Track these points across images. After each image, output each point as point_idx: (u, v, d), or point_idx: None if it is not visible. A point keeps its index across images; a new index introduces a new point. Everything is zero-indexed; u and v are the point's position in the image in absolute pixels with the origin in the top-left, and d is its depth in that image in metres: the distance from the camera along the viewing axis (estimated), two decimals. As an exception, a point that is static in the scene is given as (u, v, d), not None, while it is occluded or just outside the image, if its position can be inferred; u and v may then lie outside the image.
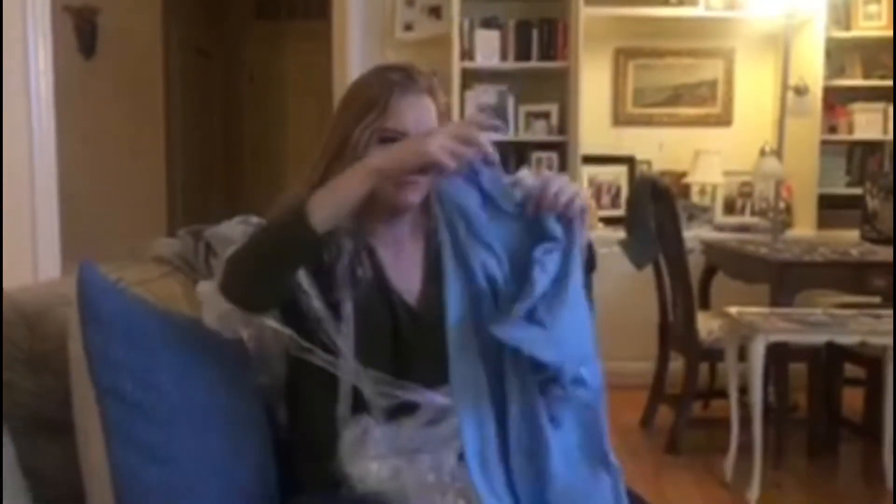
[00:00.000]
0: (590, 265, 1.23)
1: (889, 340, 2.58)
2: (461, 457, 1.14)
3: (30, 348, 1.16)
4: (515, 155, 4.04)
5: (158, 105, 5.32)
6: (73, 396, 1.10)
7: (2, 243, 2.85)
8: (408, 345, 1.25)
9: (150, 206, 5.21)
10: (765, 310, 2.83)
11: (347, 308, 1.23)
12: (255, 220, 1.70)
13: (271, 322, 1.24)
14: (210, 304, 1.18)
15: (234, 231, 1.64)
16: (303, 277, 1.23)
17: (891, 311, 2.80)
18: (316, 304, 1.24)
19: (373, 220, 1.28)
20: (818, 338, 2.64)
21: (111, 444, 1.04)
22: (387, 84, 1.26)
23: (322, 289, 1.25)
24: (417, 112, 1.26)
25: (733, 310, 2.77)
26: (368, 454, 1.19)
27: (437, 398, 1.20)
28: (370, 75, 1.32)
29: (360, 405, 1.22)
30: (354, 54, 3.96)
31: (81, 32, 5.15)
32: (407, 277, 1.29)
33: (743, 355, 2.67)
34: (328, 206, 1.11)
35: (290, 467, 1.28)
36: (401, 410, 1.21)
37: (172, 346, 1.16)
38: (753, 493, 2.58)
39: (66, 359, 1.13)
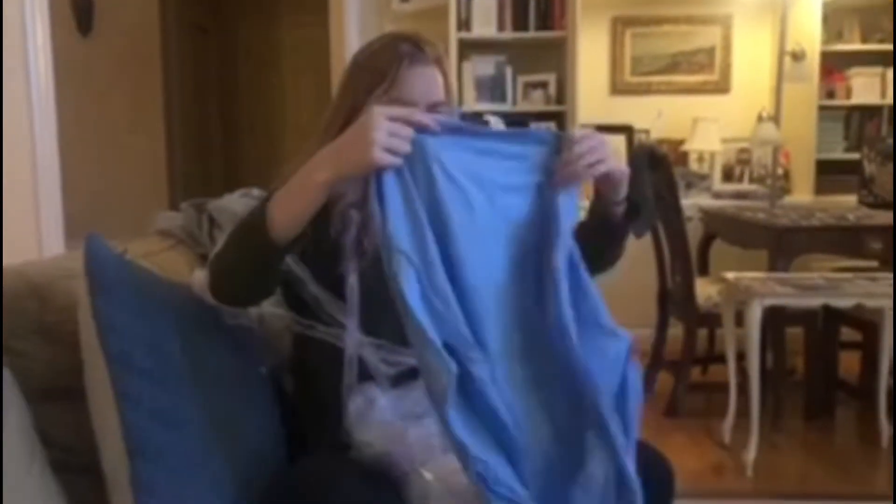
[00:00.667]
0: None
1: (885, 303, 2.61)
2: None
3: (41, 319, 1.19)
4: (514, 125, 4.04)
5: (157, 82, 5.31)
6: (85, 364, 1.13)
7: (1, 222, 2.87)
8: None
9: (150, 181, 5.23)
10: (761, 274, 2.86)
11: (353, 279, 1.26)
12: (256, 192, 1.74)
13: (270, 308, 1.27)
14: (206, 297, 1.21)
15: (237, 204, 1.68)
16: (293, 265, 1.26)
17: (887, 274, 2.84)
18: (312, 289, 1.27)
19: None
20: (814, 301, 2.68)
21: (122, 409, 1.07)
22: (396, 55, 1.27)
23: (319, 267, 1.27)
24: (426, 83, 1.28)
25: (730, 275, 2.80)
26: (374, 420, 1.22)
27: None
28: (379, 45, 1.32)
29: (365, 374, 1.25)
30: (352, 27, 3.96)
31: (79, 10, 5.13)
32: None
33: (741, 320, 2.70)
34: (286, 222, 1.10)
35: (298, 432, 1.32)
36: (406, 376, 1.24)
37: (178, 313, 1.19)
38: (750, 454, 2.63)
39: (76, 329, 1.16)
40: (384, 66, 1.27)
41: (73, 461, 1.15)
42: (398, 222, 1.05)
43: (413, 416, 1.22)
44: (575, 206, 1.16)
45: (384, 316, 1.24)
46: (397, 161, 1.04)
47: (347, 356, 1.26)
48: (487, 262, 1.11)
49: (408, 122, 1.06)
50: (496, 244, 1.12)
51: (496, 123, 1.21)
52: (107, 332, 1.09)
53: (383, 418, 1.22)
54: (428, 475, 1.16)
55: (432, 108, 1.27)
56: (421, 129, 1.08)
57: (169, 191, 5.35)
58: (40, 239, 3.14)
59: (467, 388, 1.05)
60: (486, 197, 1.12)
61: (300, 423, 1.34)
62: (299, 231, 1.11)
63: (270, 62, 6.18)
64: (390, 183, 1.05)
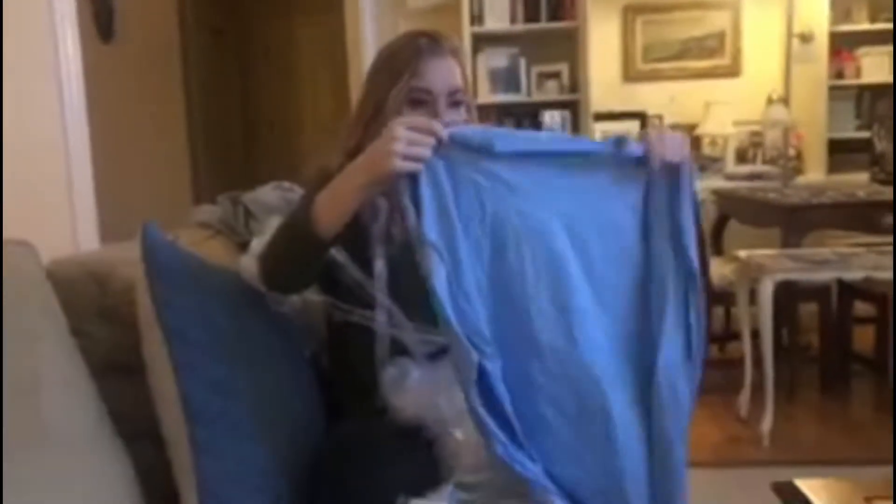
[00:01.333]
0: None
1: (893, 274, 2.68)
2: None
3: (100, 303, 1.31)
4: (528, 116, 4.14)
5: (178, 85, 5.45)
6: (143, 341, 1.25)
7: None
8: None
9: (175, 181, 5.37)
10: (773, 251, 2.94)
11: (379, 265, 1.36)
12: (287, 185, 1.85)
13: (311, 295, 1.37)
14: (255, 283, 1.31)
15: (270, 196, 1.79)
16: (336, 252, 1.36)
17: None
18: (354, 273, 1.37)
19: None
20: (824, 275, 2.75)
21: (180, 379, 1.19)
22: (415, 48, 1.37)
23: (355, 252, 1.38)
24: (443, 72, 1.37)
25: (743, 253, 2.88)
26: (408, 388, 1.32)
27: None
28: (400, 42, 1.42)
29: (399, 349, 1.36)
30: (367, 24, 4.06)
31: (99, 18, 5.26)
32: None
33: (755, 299, 2.78)
34: (328, 220, 1.20)
35: (335, 403, 1.43)
36: (437, 353, 1.34)
37: (227, 294, 1.30)
38: (766, 425, 2.71)
39: (133, 310, 1.28)
40: (405, 59, 1.38)
41: (135, 430, 1.27)
42: (430, 220, 1.14)
43: (444, 386, 1.31)
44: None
45: (416, 299, 1.34)
46: (417, 167, 1.12)
47: (379, 336, 1.36)
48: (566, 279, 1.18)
49: (427, 132, 1.14)
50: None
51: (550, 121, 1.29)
52: (164, 309, 1.20)
53: (416, 387, 1.33)
54: (459, 434, 1.27)
55: (452, 94, 1.37)
56: (439, 139, 1.15)
57: (192, 190, 5.49)
58: (77, 245, 3.27)
59: (483, 377, 1.14)
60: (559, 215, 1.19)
61: (337, 395, 1.44)
62: (340, 228, 1.21)
63: (288, 61, 6.30)
64: (423, 184, 1.14)
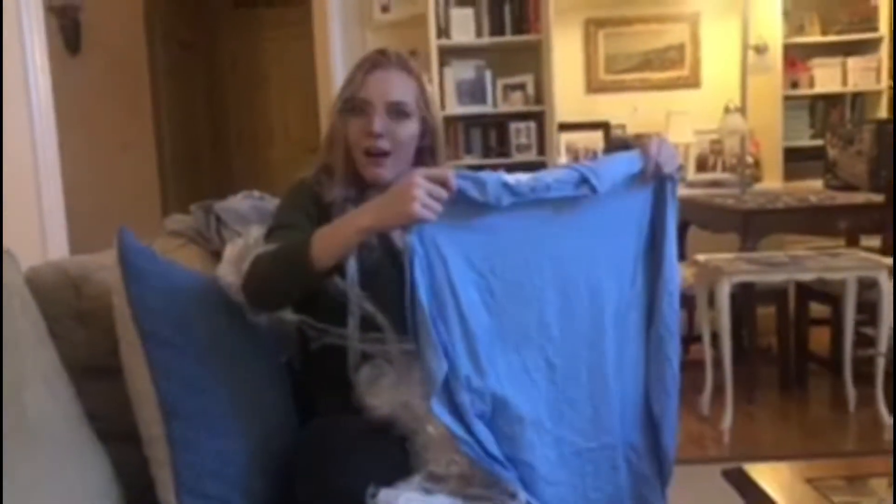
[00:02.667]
0: None
1: (845, 275, 2.80)
2: None
3: (77, 307, 1.35)
4: (495, 127, 4.22)
5: (145, 98, 5.45)
6: (120, 343, 1.29)
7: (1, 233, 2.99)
8: None
9: (143, 195, 5.36)
10: (730, 255, 3.04)
11: (352, 268, 1.40)
12: (257, 194, 1.89)
13: (287, 315, 1.39)
14: (232, 294, 1.34)
15: (241, 205, 1.83)
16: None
17: (849, 250, 3.03)
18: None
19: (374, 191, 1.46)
20: (778, 276, 2.86)
21: (156, 379, 1.24)
22: (364, 63, 1.46)
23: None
24: (383, 84, 1.44)
25: (702, 257, 2.98)
26: (382, 386, 1.37)
27: None
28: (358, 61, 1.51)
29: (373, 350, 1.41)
30: (335, 38, 4.12)
31: (66, 31, 5.27)
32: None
33: (714, 301, 2.88)
34: (325, 254, 1.24)
35: (309, 403, 1.47)
36: (410, 354, 1.39)
37: (200, 296, 1.35)
38: (727, 423, 2.80)
39: (110, 313, 1.32)
40: (351, 76, 1.47)
41: (112, 429, 1.31)
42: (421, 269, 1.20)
43: (418, 384, 1.34)
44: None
45: (388, 301, 1.38)
46: (433, 217, 1.18)
47: (351, 340, 1.41)
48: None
49: (443, 183, 1.19)
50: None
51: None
52: (139, 311, 1.25)
53: (390, 386, 1.37)
54: (431, 429, 1.32)
55: (392, 105, 1.43)
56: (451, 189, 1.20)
57: (161, 202, 5.49)
58: (47, 256, 3.28)
59: (451, 391, 1.22)
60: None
61: (311, 395, 1.49)
62: (335, 263, 1.26)
63: (256, 73, 6.33)
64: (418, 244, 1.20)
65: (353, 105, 1.44)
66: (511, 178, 1.26)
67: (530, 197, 1.25)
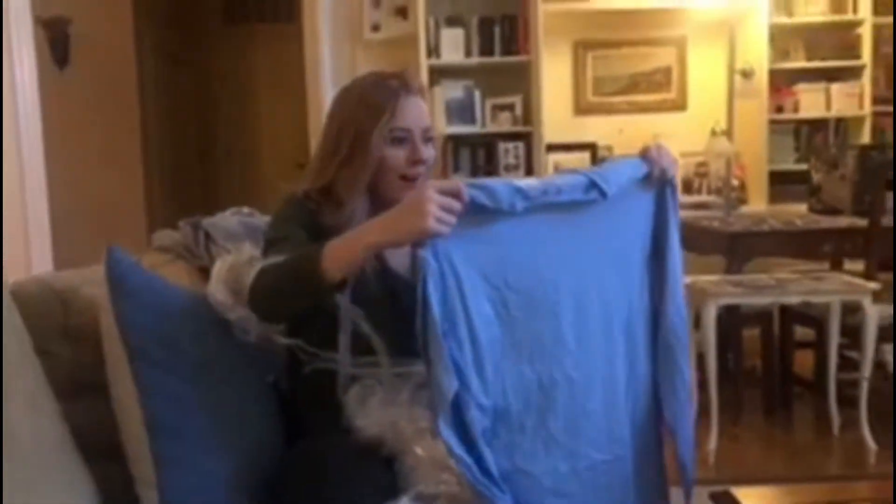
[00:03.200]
0: None
1: (829, 299, 2.82)
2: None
3: (64, 322, 1.34)
4: (483, 146, 4.24)
5: (133, 112, 5.44)
6: (107, 360, 1.28)
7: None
8: (405, 312, 1.43)
9: (129, 209, 5.34)
10: (716, 277, 3.05)
11: (346, 300, 1.39)
12: (246, 210, 1.89)
13: (280, 338, 1.40)
14: (225, 311, 1.34)
15: (229, 221, 1.82)
16: None
17: (833, 274, 3.06)
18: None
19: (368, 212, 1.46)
20: (763, 299, 2.88)
21: (143, 397, 1.23)
22: (390, 90, 1.46)
23: None
24: (418, 111, 1.47)
25: (687, 279, 2.98)
26: (371, 406, 1.36)
27: None
28: (368, 83, 1.50)
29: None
30: (325, 56, 4.13)
31: (54, 43, 5.25)
32: (398, 252, 1.45)
33: (699, 323, 2.89)
34: (334, 268, 1.22)
35: (296, 422, 1.46)
36: (399, 376, 1.39)
37: (188, 313, 1.34)
38: (712, 445, 2.81)
39: (97, 329, 1.31)
40: (382, 100, 1.45)
41: (98, 447, 1.29)
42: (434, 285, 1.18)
43: (406, 405, 1.36)
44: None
45: (378, 318, 1.39)
46: (447, 230, 1.17)
47: (342, 360, 1.40)
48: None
49: (455, 195, 1.18)
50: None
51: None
52: (127, 328, 1.24)
53: (379, 406, 1.36)
54: (419, 450, 1.31)
55: (425, 131, 1.47)
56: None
57: (147, 217, 5.47)
58: (31, 270, 3.25)
59: (460, 407, 1.20)
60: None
61: (298, 414, 1.47)
62: (344, 277, 1.25)
63: (245, 89, 6.34)
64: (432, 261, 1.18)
65: (395, 135, 1.45)
66: (521, 182, 1.27)
67: (542, 200, 1.24)
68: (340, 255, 1.23)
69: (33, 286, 1.36)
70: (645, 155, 1.39)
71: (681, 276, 1.41)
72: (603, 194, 1.29)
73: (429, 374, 1.19)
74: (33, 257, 3.23)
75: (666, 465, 1.43)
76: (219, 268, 1.38)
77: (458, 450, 1.19)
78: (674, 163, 1.41)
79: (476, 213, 1.20)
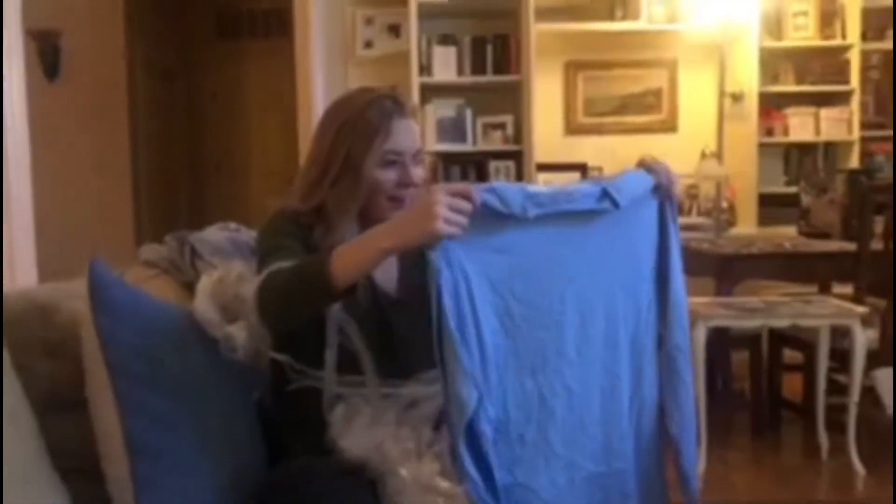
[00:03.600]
0: None
1: (818, 322, 2.82)
2: (436, 427, 1.33)
3: (45, 336, 1.31)
4: (474, 165, 4.24)
5: (123, 125, 5.42)
6: (87, 376, 1.25)
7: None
8: (393, 331, 1.42)
9: (117, 223, 5.30)
10: (706, 299, 3.05)
11: (332, 323, 1.38)
12: (233, 225, 1.87)
13: (273, 354, 1.38)
14: (211, 329, 1.32)
15: (216, 236, 1.80)
16: None
17: (823, 297, 3.06)
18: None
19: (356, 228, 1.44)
20: (753, 322, 2.87)
21: (123, 414, 1.20)
22: (384, 110, 1.44)
23: None
24: (410, 134, 1.46)
25: (678, 300, 2.98)
26: (356, 427, 1.34)
27: (419, 387, 1.37)
28: (360, 102, 1.46)
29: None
30: (317, 72, 4.13)
31: (44, 55, 5.23)
32: (385, 269, 1.44)
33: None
34: (343, 274, 1.21)
35: (278, 444, 1.44)
36: (386, 396, 1.37)
37: (172, 330, 1.32)
38: (700, 467, 2.78)
39: (78, 344, 1.28)
40: (376, 122, 1.43)
41: (75, 465, 1.26)
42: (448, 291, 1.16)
43: (392, 425, 1.34)
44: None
45: (366, 337, 1.38)
46: (458, 232, 1.15)
47: (328, 379, 1.38)
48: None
49: (466, 197, 1.17)
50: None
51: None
52: (109, 344, 1.22)
53: (364, 427, 1.34)
54: (404, 473, 1.28)
55: (417, 153, 1.46)
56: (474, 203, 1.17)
57: (134, 230, 5.43)
58: (15, 283, 3.20)
59: (472, 420, 1.18)
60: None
61: (282, 434, 1.45)
62: (352, 283, 1.23)
63: (236, 105, 6.32)
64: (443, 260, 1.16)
65: (387, 158, 1.43)
66: (533, 187, 1.25)
67: (554, 208, 1.23)
68: (350, 260, 1.21)
69: (14, 299, 1.33)
70: (650, 167, 1.39)
71: (683, 289, 1.40)
72: (615, 204, 1.28)
73: (446, 388, 1.17)
74: (17, 271, 3.18)
75: (668, 482, 1.41)
76: (204, 283, 1.36)
77: (469, 467, 1.17)
78: (676, 177, 1.42)
79: (488, 218, 1.18)
